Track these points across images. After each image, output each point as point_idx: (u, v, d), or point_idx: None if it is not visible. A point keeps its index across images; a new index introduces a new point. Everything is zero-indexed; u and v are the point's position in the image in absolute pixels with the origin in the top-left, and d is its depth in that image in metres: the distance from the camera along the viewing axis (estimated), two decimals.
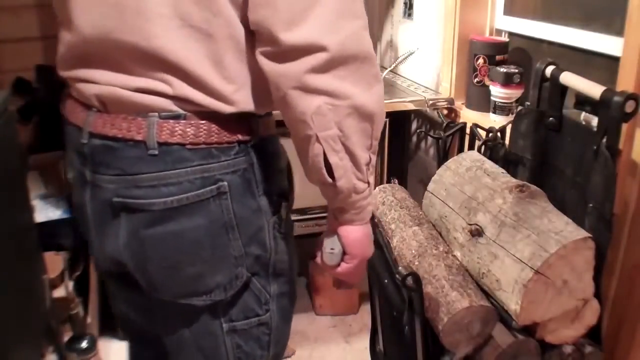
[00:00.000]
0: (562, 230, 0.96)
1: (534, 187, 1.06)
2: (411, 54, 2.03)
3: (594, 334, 1.03)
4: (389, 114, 1.82)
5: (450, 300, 1.01)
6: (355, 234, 0.90)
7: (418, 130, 2.15)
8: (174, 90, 0.79)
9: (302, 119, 0.77)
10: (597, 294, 1.00)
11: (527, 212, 1.01)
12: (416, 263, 1.11)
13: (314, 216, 1.90)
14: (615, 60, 1.22)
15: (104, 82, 0.81)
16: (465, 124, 1.59)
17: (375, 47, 2.40)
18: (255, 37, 0.78)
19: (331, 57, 0.74)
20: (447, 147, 1.51)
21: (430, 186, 1.25)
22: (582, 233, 0.95)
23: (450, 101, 1.82)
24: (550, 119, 1.13)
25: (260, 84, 0.81)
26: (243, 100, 0.82)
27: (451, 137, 1.54)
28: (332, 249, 0.91)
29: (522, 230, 0.99)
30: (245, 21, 0.77)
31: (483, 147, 1.32)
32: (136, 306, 1.00)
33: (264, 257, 0.90)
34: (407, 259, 1.14)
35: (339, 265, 0.92)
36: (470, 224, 1.09)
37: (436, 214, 1.22)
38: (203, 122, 0.80)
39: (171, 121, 0.80)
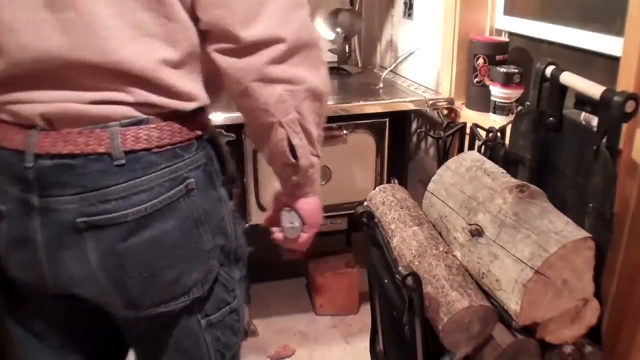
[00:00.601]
0: (562, 230, 0.96)
1: (534, 187, 1.06)
2: (411, 54, 2.03)
3: (594, 334, 1.03)
4: (389, 114, 1.83)
5: (450, 300, 1.01)
6: (311, 205, 0.97)
7: (418, 130, 2.15)
8: (135, 98, 0.78)
9: (265, 108, 0.82)
10: (597, 294, 1.00)
11: (527, 212, 1.01)
12: (416, 263, 1.11)
13: None
14: (615, 60, 1.22)
15: (50, 100, 0.77)
16: (465, 124, 1.59)
17: (375, 47, 2.41)
18: (206, 35, 0.80)
19: (288, 48, 0.79)
20: (447, 147, 1.51)
21: (430, 186, 1.25)
22: (582, 233, 0.95)
23: (450, 101, 1.83)
24: (550, 119, 1.13)
25: (210, 77, 0.84)
26: (202, 94, 0.84)
27: (451, 137, 1.54)
28: (291, 223, 0.97)
29: (522, 230, 0.99)
30: (194, 21, 0.79)
31: (483, 147, 1.32)
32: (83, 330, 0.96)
33: (227, 245, 0.92)
34: (407, 259, 1.14)
35: (299, 237, 0.98)
36: (470, 224, 1.09)
37: (436, 214, 1.22)
38: (165, 123, 0.81)
39: (133, 127, 0.78)
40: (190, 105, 0.82)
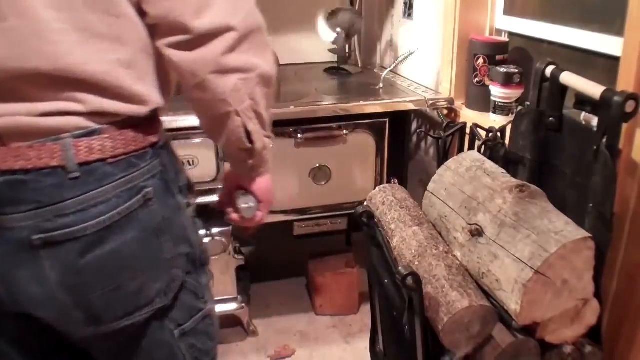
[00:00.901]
0: (562, 230, 0.96)
1: (534, 187, 1.06)
2: (411, 54, 2.03)
3: (594, 334, 1.03)
4: (389, 114, 1.83)
5: (450, 300, 1.01)
6: (265, 183, 1.00)
7: (418, 130, 2.15)
8: (87, 106, 0.76)
9: (222, 98, 0.82)
10: (597, 294, 1.00)
11: (527, 212, 1.01)
12: (416, 263, 1.11)
13: (314, 216, 1.90)
14: (615, 60, 1.22)
15: None
16: (465, 124, 1.59)
17: (375, 47, 2.41)
18: (154, 30, 0.79)
19: (239, 36, 0.80)
20: (447, 147, 1.51)
21: (430, 186, 1.25)
22: (582, 233, 0.95)
23: (450, 101, 1.82)
24: (550, 119, 1.13)
25: (161, 75, 0.84)
26: (155, 96, 0.83)
27: (451, 137, 1.54)
28: (247, 204, 1.01)
29: (522, 230, 0.99)
30: (141, 15, 0.78)
31: (483, 147, 1.32)
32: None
33: (193, 253, 0.92)
34: (407, 259, 1.14)
35: (255, 216, 1.02)
36: (470, 224, 1.09)
37: (436, 214, 1.21)
38: (119, 132, 0.79)
39: (86, 138, 0.76)
40: (143, 109, 0.81)
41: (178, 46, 0.79)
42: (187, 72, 0.80)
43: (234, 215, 1.03)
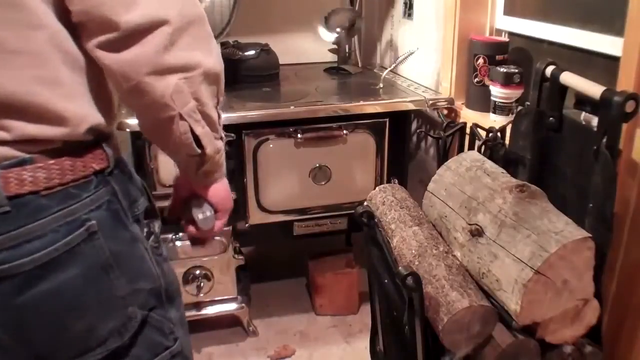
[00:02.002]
0: (562, 230, 0.96)
1: (534, 187, 1.06)
2: (411, 54, 2.03)
3: (594, 334, 1.03)
4: (389, 114, 1.83)
5: (450, 300, 1.01)
6: (222, 191, 0.92)
7: (418, 130, 2.15)
8: (13, 134, 0.69)
9: (162, 102, 0.74)
10: (597, 294, 1.00)
11: (527, 212, 1.01)
12: (416, 263, 1.11)
13: (313, 216, 1.90)
14: (615, 60, 1.22)
15: None
16: (465, 124, 1.59)
17: (375, 47, 2.41)
18: (82, 32, 0.71)
19: (174, 30, 0.72)
20: (447, 147, 1.51)
21: (430, 186, 1.25)
22: (582, 233, 0.95)
23: (450, 101, 1.83)
24: (550, 119, 1.13)
25: (99, 89, 0.76)
26: (91, 115, 0.75)
27: (451, 137, 1.54)
28: (204, 213, 0.92)
29: (522, 230, 0.99)
30: (65, 18, 0.70)
31: (483, 147, 1.32)
32: None
33: (155, 287, 0.84)
34: (407, 259, 1.14)
35: (213, 226, 0.93)
36: (470, 224, 1.09)
37: (436, 214, 1.22)
38: (52, 161, 0.72)
39: (16, 169, 0.69)
40: (78, 131, 0.72)
41: (107, 46, 0.70)
42: (119, 76, 0.72)
43: (190, 228, 0.94)
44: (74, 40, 0.72)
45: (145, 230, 0.85)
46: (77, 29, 0.71)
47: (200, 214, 0.91)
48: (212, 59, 0.77)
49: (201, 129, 0.80)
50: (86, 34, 0.71)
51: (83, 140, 0.74)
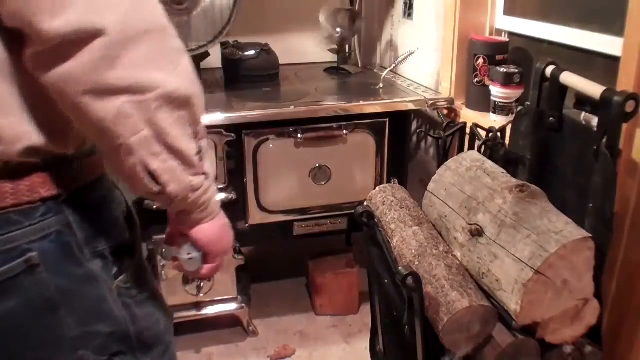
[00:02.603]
0: (562, 230, 0.96)
1: (534, 187, 1.06)
2: (411, 54, 2.03)
3: (594, 334, 1.03)
4: (389, 114, 1.83)
5: (450, 300, 1.01)
6: (210, 232, 0.78)
7: (418, 130, 2.15)
8: None
9: (102, 127, 0.62)
10: (597, 294, 1.00)
11: (527, 212, 1.01)
12: (416, 263, 1.11)
13: (313, 216, 1.90)
14: (615, 60, 1.22)
15: None
16: (465, 124, 1.59)
17: (375, 47, 2.41)
18: (20, 40, 0.61)
19: (114, 42, 0.59)
20: (447, 147, 1.51)
21: (430, 186, 1.25)
22: (582, 233, 0.95)
23: (450, 101, 1.83)
24: (550, 119, 1.13)
25: (41, 105, 0.65)
26: (26, 130, 0.65)
27: (451, 137, 1.54)
28: (189, 254, 0.81)
29: (522, 230, 0.99)
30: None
31: (483, 147, 1.32)
32: None
33: (120, 332, 0.77)
34: (407, 259, 1.14)
35: (201, 269, 0.82)
36: (470, 224, 1.09)
37: (436, 214, 1.22)
38: None
39: None
40: (11, 149, 0.64)
41: (39, 59, 0.60)
42: (56, 94, 0.62)
43: (176, 263, 0.84)
44: (11, 49, 0.62)
45: (115, 269, 0.76)
46: (15, 36, 0.61)
47: (186, 254, 0.81)
48: (177, 79, 0.64)
49: (159, 164, 0.66)
50: (22, 44, 0.61)
51: (24, 162, 0.66)
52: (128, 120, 0.62)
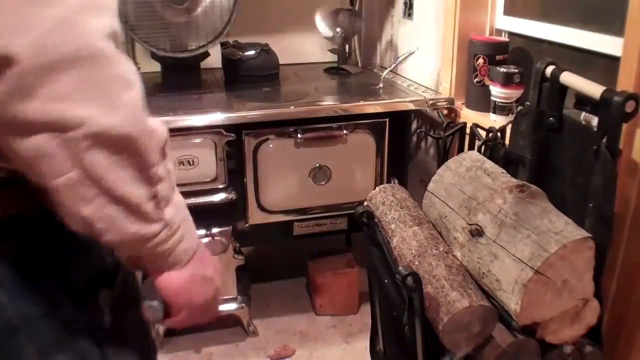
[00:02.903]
0: (562, 230, 0.96)
1: (534, 187, 1.06)
2: (411, 54, 2.03)
3: (594, 334, 1.03)
4: (389, 114, 1.83)
5: (450, 300, 1.01)
6: (173, 282, 0.68)
7: (418, 130, 2.15)
8: None
9: (26, 164, 0.55)
10: (597, 294, 1.00)
11: (527, 212, 1.01)
12: (416, 263, 1.11)
13: (313, 216, 1.90)
14: (615, 60, 1.22)
15: None
16: (465, 124, 1.59)
17: (375, 47, 2.41)
18: None
19: (27, 70, 0.50)
20: (447, 147, 1.51)
21: (430, 186, 1.25)
22: (582, 233, 0.95)
23: (450, 101, 1.83)
24: (550, 119, 1.13)
25: None
26: None
27: (451, 137, 1.54)
28: (151, 301, 0.71)
29: (522, 230, 0.99)
30: None
31: (483, 147, 1.32)
32: None
33: None
34: (407, 259, 1.14)
35: (162, 320, 0.72)
36: (470, 224, 1.09)
37: (436, 214, 1.22)
38: None
39: None
40: None
41: None
42: None
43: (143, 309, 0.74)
44: None
45: (85, 299, 0.69)
46: None
47: (148, 300, 0.71)
48: (113, 117, 0.54)
49: (91, 212, 0.57)
50: None
51: None
52: (51, 160, 0.54)
